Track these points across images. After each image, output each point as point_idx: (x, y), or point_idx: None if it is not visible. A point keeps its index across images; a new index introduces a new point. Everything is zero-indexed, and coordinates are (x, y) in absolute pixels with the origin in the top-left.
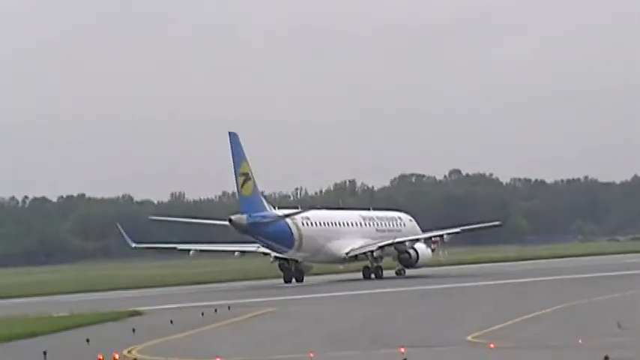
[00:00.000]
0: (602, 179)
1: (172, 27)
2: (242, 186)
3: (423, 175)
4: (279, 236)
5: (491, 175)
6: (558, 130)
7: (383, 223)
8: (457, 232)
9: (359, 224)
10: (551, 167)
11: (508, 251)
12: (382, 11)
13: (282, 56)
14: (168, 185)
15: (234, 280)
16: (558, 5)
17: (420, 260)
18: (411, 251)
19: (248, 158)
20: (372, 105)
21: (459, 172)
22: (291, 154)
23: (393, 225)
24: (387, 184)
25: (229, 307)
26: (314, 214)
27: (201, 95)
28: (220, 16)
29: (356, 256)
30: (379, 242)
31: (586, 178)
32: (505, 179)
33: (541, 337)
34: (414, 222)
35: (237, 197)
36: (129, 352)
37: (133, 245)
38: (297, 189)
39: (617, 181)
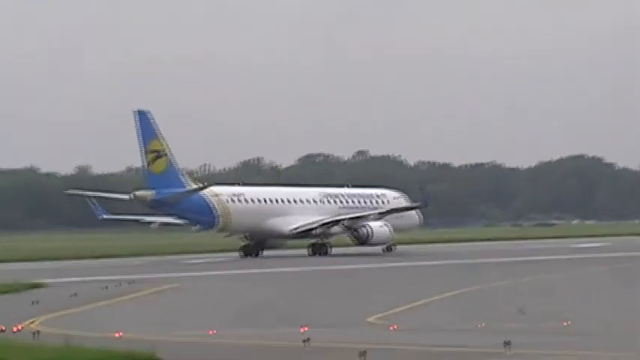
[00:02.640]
0: (508, 164)
1: None
2: (151, 163)
3: (329, 155)
4: (194, 212)
5: (397, 156)
6: (465, 114)
7: (353, 200)
8: (386, 212)
9: (315, 201)
10: (457, 151)
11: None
12: None
13: (192, 33)
14: (73, 158)
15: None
16: None
17: (373, 238)
18: (363, 230)
19: (163, 135)
20: (280, 84)
21: (364, 153)
22: (198, 131)
23: (370, 202)
24: (293, 162)
25: (132, 282)
26: (249, 190)
27: (105, 71)
28: None
29: (305, 232)
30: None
31: (491, 162)
32: (411, 162)
33: (442, 320)
34: (401, 199)
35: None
36: (30, 323)
37: (101, 217)
38: (203, 165)
39: (523, 167)
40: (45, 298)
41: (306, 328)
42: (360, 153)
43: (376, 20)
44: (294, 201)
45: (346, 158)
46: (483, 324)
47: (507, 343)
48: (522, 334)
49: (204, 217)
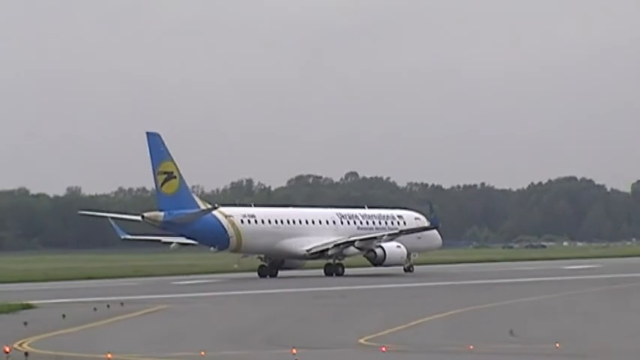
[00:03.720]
0: (499, 186)
1: None
2: (162, 184)
3: (320, 177)
4: (206, 233)
5: (387, 178)
6: (454, 136)
7: (369, 221)
8: (396, 234)
9: (332, 222)
10: (449, 173)
11: None
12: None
13: (186, 55)
14: (63, 179)
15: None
16: None
17: (388, 259)
18: (378, 250)
19: (174, 157)
20: (272, 105)
21: (355, 174)
22: (188, 152)
23: (388, 223)
24: (284, 184)
25: (122, 304)
26: (261, 211)
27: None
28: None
29: (320, 253)
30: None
31: (482, 184)
32: (402, 183)
33: (433, 341)
34: (421, 220)
35: (155, 195)
36: (20, 345)
37: (123, 237)
38: (193, 187)
39: (514, 189)
40: (35, 319)
41: (296, 351)
42: (350, 174)
43: (367, 40)
44: (308, 222)
45: (337, 179)
46: (472, 346)
47: None
48: (515, 355)
49: (216, 238)
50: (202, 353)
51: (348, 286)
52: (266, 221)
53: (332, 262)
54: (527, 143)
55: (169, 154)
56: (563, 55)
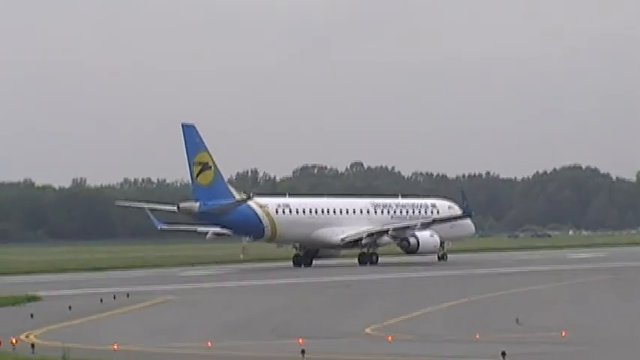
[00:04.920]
0: (503, 175)
1: None
2: (198, 175)
3: (325, 167)
4: (241, 223)
5: (393, 168)
6: (461, 126)
7: (403, 210)
8: (429, 223)
9: (366, 211)
10: (454, 162)
11: None
12: None
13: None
14: (69, 171)
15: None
16: None
17: (420, 248)
18: (411, 239)
19: (209, 149)
20: (276, 95)
21: (360, 164)
22: None
23: (422, 212)
24: (290, 174)
25: (128, 295)
26: (295, 202)
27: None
28: None
29: (354, 242)
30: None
31: (487, 174)
32: (407, 173)
33: (439, 330)
34: (454, 209)
35: (190, 186)
36: (26, 336)
37: (159, 227)
38: None
39: (518, 178)
40: (41, 311)
41: (302, 341)
42: (355, 164)
43: (371, 30)
44: (342, 211)
45: (342, 169)
46: (478, 335)
47: (503, 354)
48: (521, 344)
49: (250, 228)
50: (208, 344)
51: (359, 276)
52: (300, 211)
53: (366, 251)
54: (531, 133)
55: (204, 145)
56: (570, 45)
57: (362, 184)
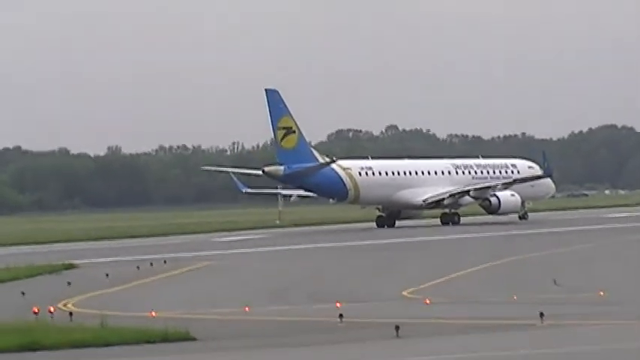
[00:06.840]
0: (539, 136)
1: None
2: (282, 139)
3: (360, 130)
4: (324, 186)
5: (427, 130)
6: (495, 87)
7: (484, 171)
8: (510, 183)
9: (447, 172)
10: (489, 123)
11: None
12: None
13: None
14: (105, 139)
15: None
16: None
17: (502, 207)
18: (493, 199)
19: (292, 113)
20: (310, 58)
21: (395, 127)
22: (227, 109)
23: (502, 172)
24: (324, 139)
25: (165, 261)
26: (378, 164)
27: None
28: None
29: (436, 203)
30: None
31: (523, 134)
32: (442, 135)
33: (477, 293)
34: (535, 169)
35: (274, 149)
36: (64, 304)
37: (244, 190)
38: (232, 143)
39: (554, 138)
40: (78, 279)
41: (340, 304)
42: (390, 127)
43: None
44: (424, 173)
45: (377, 133)
46: (515, 297)
47: (542, 315)
48: (559, 305)
49: (335, 190)
50: (246, 309)
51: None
52: (383, 173)
53: (448, 211)
54: (566, 91)
55: (288, 110)
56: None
57: (397, 147)
